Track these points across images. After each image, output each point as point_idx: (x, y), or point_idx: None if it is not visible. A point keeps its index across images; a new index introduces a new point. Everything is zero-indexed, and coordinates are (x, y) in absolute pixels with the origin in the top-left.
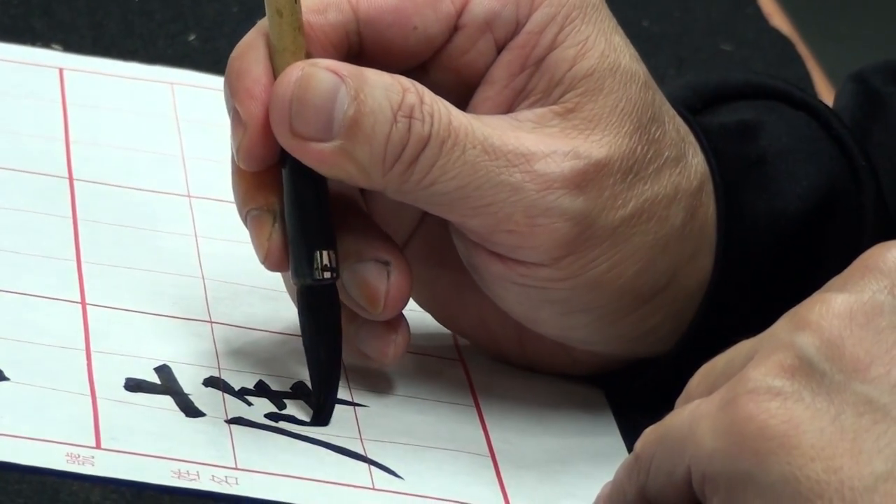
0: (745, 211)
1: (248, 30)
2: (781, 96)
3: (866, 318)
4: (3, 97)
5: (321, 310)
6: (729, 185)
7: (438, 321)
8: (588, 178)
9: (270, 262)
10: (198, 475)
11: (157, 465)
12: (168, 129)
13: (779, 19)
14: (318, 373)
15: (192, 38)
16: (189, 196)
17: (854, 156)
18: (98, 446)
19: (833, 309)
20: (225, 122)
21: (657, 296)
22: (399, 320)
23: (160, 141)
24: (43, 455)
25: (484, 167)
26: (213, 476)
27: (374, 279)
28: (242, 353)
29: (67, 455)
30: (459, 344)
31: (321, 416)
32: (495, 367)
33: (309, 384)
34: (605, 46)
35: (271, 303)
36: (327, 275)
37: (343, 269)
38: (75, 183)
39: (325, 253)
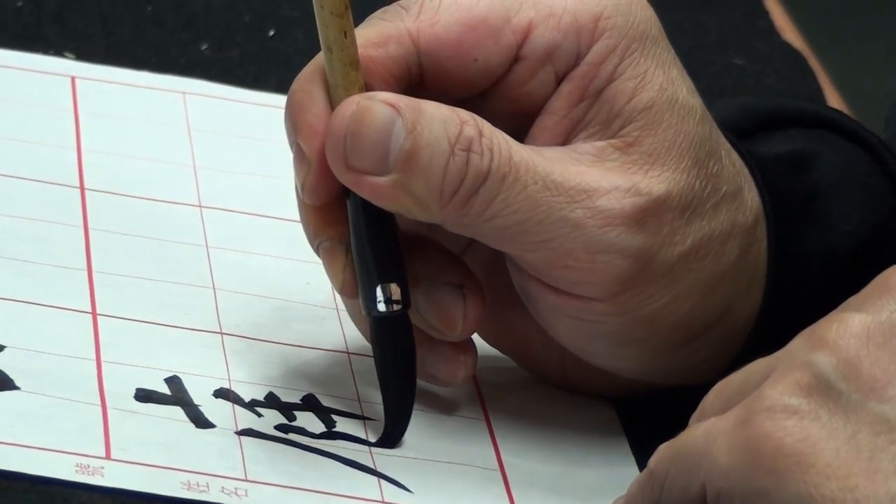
0: (795, 248)
1: (260, 40)
2: (834, 126)
3: (884, 337)
4: (15, 105)
5: (392, 340)
6: (780, 221)
7: (480, 336)
8: (648, 214)
9: (349, 293)
10: (207, 487)
11: (167, 477)
12: (180, 138)
13: (791, 33)
14: (390, 399)
15: (204, 47)
16: (200, 206)
17: None
18: (108, 457)
19: (850, 328)
20: (236, 130)
21: (709, 330)
22: (467, 342)
23: (172, 150)
24: (52, 465)
25: (545, 202)
26: (222, 488)
27: (450, 303)
28: (253, 365)
29: (77, 465)
30: None
31: (390, 440)
32: (506, 380)
33: (319, 397)
34: (663, 80)
35: (282, 314)
36: (396, 307)
37: (417, 293)
38: (87, 192)
39: (389, 287)
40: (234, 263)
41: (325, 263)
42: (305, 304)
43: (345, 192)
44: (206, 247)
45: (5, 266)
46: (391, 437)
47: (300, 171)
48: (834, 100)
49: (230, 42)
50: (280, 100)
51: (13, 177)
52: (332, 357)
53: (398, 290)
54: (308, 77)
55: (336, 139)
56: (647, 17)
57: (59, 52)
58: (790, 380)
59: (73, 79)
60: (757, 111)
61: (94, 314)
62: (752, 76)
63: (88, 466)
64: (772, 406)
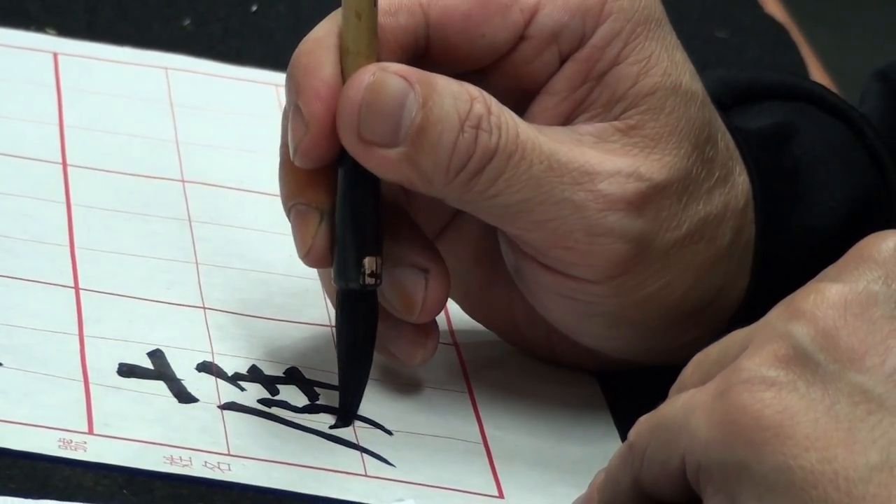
0: (779, 226)
1: (242, 15)
2: (814, 99)
3: (861, 308)
4: None
5: (360, 314)
6: (767, 200)
7: (466, 312)
8: (648, 199)
9: (312, 260)
10: (190, 461)
11: (150, 451)
12: (162, 113)
13: (773, 6)
14: (347, 374)
15: (186, 22)
16: (183, 181)
17: (886, 167)
18: (91, 432)
19: (828, 299)
20: (218, 106)
21: (701, 311)
22: (431, 325)
23: (154, 126)
24: (35, 440)
25: (549, 183)
26: (205, 462)
27: (411, 286)
28: (235, 338)
29: (60, 441)
30: (454, 328)
31: (346, 418)
32: (489, 352)
33: (301, 370)
34: (667, 64)
35: (264, 287)
36: (372, 281)
37: (382, 271)
38: (69, 168)
39: (374, 259)
40: (216, 238)
41: (294, 227)
42: (288, 276)
43: (338, 161)
44: (189, 221)
45: None
46: (349, 415)
47: (296, 134)
48: (817, 73)
49: (212, 17)
50: (263, 75)
51: None
52: (314, 330)
53: (379, 263)
54: (317, 41)
55: (351, 109)
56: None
57: (41, 28)
58: (768, 351)
59: (55, 55)
60: (735, 84)
61: (76, 289)
62: (735, 49)
63: (71, 441)
64: (749, 378)
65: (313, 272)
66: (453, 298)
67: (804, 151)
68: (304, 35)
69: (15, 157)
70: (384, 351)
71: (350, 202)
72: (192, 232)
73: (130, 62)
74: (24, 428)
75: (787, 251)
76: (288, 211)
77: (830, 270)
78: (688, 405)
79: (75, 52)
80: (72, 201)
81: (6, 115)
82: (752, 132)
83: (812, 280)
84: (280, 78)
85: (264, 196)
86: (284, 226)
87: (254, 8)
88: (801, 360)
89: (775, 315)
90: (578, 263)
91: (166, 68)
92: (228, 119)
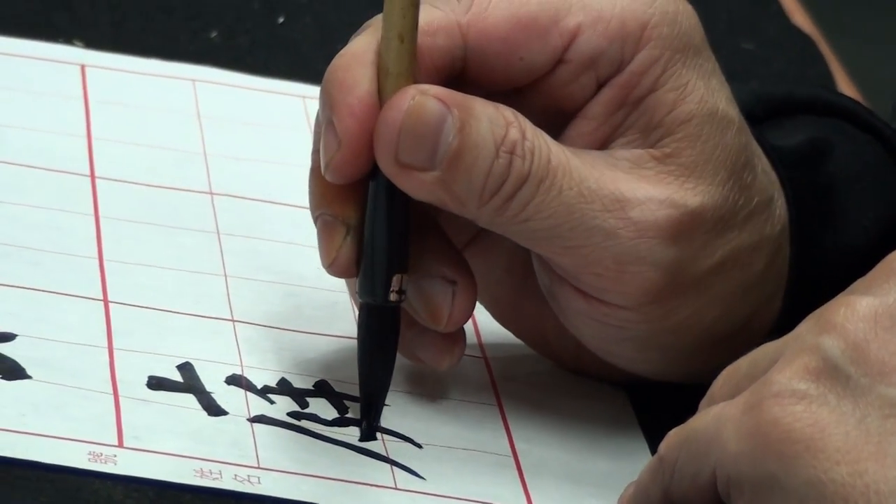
0: (813, 246)
1: (269, 27)
2: (848, 115)
3: (891, 320)
4: (24, 94)
5: (384, 328)
6: (802, 220)
7: (495, 320)
8: (681, 227)
9: (336, 271)
10: (220, 474)
11: (180, 465)
12: (190, 125)
13: (800, 17)
14: (368, 387)
15: (213, 34)
16: (211, 193)
17: None
18: (120, 445)
19: (858, 312)
20: (246, 117)
21: (734, 336)
22: (458, 332)
23: (182, 138)
24: (65, 453)
25: (579, 209)
26: (235, 475)
27: (438, 298)
28: (264, 351)
29: (89, 454)
30: (483, 342)
31: (370, 432)
32: (518, 365)
33: (331, 383)
34: (704, 91)
35: (293, 300)
36: (397, 297)
37: (409, 281)
38: (97, 181)
39: (401, 276)
40: (244, 250)
41: (319, 236)
42: (317, 289)
43: (370, 177)
44: (217, 234)
45: (16, 255)
46: (371, 429)
47: (328, 150)
48: (844, 84)
49: (240, 29)
50: (290, 86)
51: (24, 165)
52: (343, 343)
53: (405, 281)
54: (354, 56)
55: (390, 132)
56: (691, 25)
57: (68, 40)
58: (798, 364)
59: (82, 67)
60: (769, 97)
61: (105, 302)
62: (762, 61)
63: (101, 455)
64: (780, 391)
65: (342, 284)
66: (483, 305)
67: (839, 169)
68: (331, 47)
69: (43, 169)
70: (412, 356)
71: (381, 219)
72: (220, 244)
73: (158, 74)
74: (53, 441)
75: (820, 271)
76: (315, 219)
77: (860, 284)
78: (718, 418)
79: (103, 65)
80: (100, 214)
81: (34, 127)
82: (787, 150)
83: (841, 293)
84: (307, 89)
85: (292, 208)
86: (313, 238)
87: (281, 19)
88: (832, 374)
89: (805, 328)
90: (609, 289)
91: (194, 80)
92: (256, 131)
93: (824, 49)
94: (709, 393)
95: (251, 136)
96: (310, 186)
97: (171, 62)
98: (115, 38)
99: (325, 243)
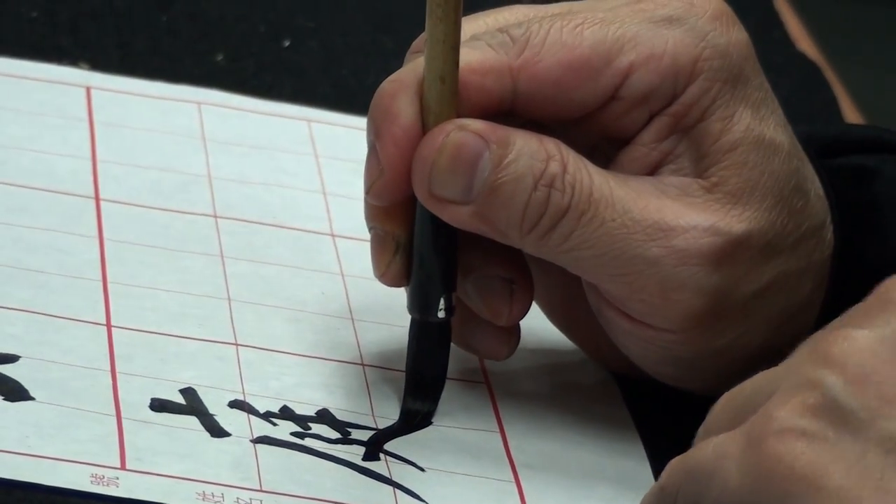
0: (855, 260)
1: (275, 50)
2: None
3: (890, 353)
4: (29, 116)
5: (434, 343)
6: (843, 233)
7: (550, 321)
8: (726, 254)
9: (387, 283)
10: (223, 497)
11: (182, 487)
12: (194, 148)
13: (806, 44)
14: (416, 400)
15: (219, 57)
16: (215, 216)
17: None
18: (123, 467)
19: (857, 345)
20: (251, 141)
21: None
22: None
23: (187, 160)
24: (68, 475)
25: (623, 239)
26: (237, 498)
27: (497, 296)
28: (267, 377)
29: (92, 476)
30: (486, 368)
31: (374, 451)
32: (520, 390)
33: (333, 411)
34: (750, 120)
35: (297, 324)
36: (446, 315)
37: (467, 282)
38: (102, 203)
39: (450, 295)
40: (249, 274)
41: (372, 247)
42: (320, 314)
43: (414, 197)
44: (222, 257)
45: (21, 277)
46: (376, 450)
47: (371, 173)
48: (849, 111)
49: (245, 52)
50: (295, 110)
51: (28, 187)
52: (346, 369)
53: (454, 297)
54: (402, 86)
55: (422, 167)
56: (743, 56)
57: (73, 62)
58: (799, 400)
59: (87, 89)
60: (819, 137)
61: (108, 325)
62: None
63: (103, 477)
64: (781, 428)
65: (345, 310)
66: (542, 309)
67: (885, 189)
68: (336, 71)
69: (47, 191)
70: (468, 347)
71: (428, 241)
72: (224, 268)
73: (163, 97)
74: (56, 463)
75: (860, 286)
76: (368, 228)
77: (855, 314)
78: (719, 451)
79: (108, 87)
80: (104, 236)
81: (39, 149)
82: (835, 166)
83: (836, 322)
84: (312, 113)
85: (297, 232)
86: (316, 262)
87: (286, 43)
88: (832, 410)
89: (802, 359)
90: (654, 314)
91: (199, 103)
92: (261, 154)
93: (830, 76)
94: (706, 421)
95: (256, 160)
96: (364, 199)
97: (177, 85)
98: (121, 60)
99: (376, 256)
